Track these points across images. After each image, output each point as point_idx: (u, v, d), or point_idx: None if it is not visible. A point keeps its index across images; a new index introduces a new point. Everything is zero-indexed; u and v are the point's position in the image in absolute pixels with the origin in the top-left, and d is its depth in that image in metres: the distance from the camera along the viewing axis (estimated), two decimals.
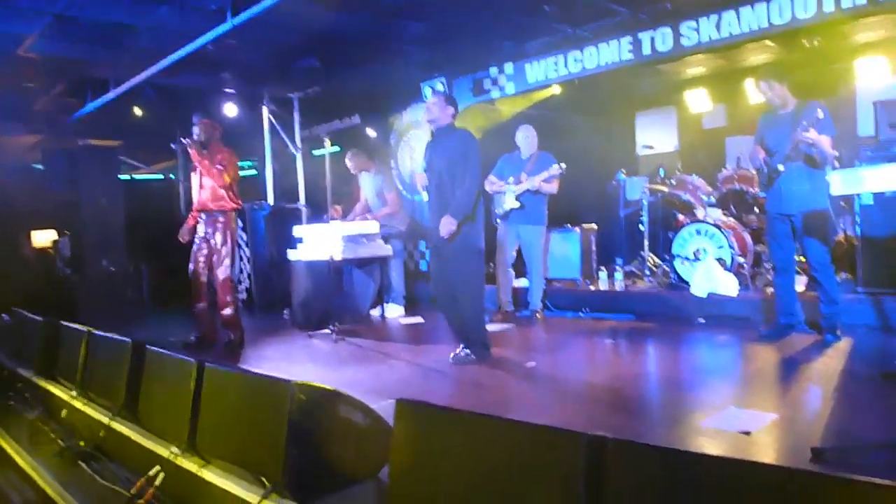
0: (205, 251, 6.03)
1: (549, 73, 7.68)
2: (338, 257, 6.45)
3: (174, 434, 2.98)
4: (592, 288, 7.55)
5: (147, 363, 3.46)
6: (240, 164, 6.42)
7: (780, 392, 3.94)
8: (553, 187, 6.64)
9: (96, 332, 4.15)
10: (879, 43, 6.97)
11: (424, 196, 4.93)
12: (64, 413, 4.18)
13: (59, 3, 5.86)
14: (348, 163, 7.83)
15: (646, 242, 7.67)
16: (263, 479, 2.41)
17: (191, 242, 6.10)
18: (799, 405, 3.66)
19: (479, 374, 4.63)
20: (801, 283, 5.76)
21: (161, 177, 12.90)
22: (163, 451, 2.98)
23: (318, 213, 8.66)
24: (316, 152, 10.42)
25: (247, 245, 8.72)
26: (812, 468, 2.45)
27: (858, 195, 5.52)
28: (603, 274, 7.57)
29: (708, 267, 6.42)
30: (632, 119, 9.96)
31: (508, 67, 8.09)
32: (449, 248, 4.77)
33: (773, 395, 3.89)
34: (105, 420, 3.59)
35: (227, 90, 9.12)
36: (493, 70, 8.25)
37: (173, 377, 3.13)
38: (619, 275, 7.45)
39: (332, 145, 6.88)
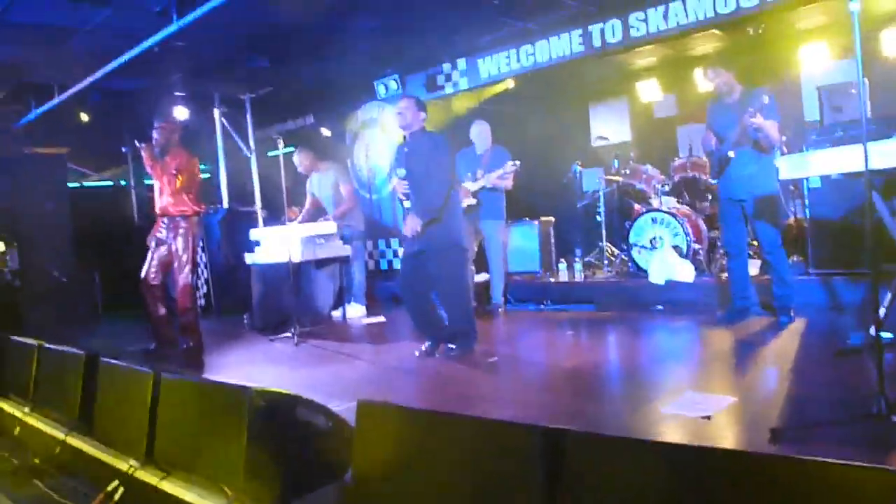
0: (162, 255, 5.91)
1: (501, 67, 7.73)
2: (296, 259, 6.38)
3: (132, 447, 2.92)
4: (552, 280, 7.62)
5: (101, 375, 3.39)
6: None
7: (737, 375, 4.01)
8: (508, 183, 6.67)
9: (47, 345, 4.06)
10: (821, 29, 7.13)
11: (407, 204, 4.90)
12: (17, 430, 4.06)
13: None
14: (296, 160, 7.68)
15: (603, 233, 7.76)
16: (225, 489, 2.38)
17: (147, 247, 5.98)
18: (756, 387, 3.73)
19: (442, 369, 4.64)
20: (754, 267, 5.89)
21: (111, 183, 12.61)
22: (121, 464, 2.92)
23: (275, 215, 8.56)
24: (271, 153, 10.29)
25: (203, 250, 8.57)
26: (770, 449, 2.51)
27: (806, 179, 5.62)
28: (562, 266, 7.65)
29: (664, 255, 6.52)
30: (585, 111, 10.04)
31: (461, 63, 8.11)
32: (432, 246, 4.78)
33: (730, 378, 3.97)
34: (60, 435, 3.50)
35: (176, 93, 8.94)
36: (446, 66, 8.26)
37: (129, 389, 3.07)
38: (578, 266, 7.52)
39: (286, 146, 6.78)
